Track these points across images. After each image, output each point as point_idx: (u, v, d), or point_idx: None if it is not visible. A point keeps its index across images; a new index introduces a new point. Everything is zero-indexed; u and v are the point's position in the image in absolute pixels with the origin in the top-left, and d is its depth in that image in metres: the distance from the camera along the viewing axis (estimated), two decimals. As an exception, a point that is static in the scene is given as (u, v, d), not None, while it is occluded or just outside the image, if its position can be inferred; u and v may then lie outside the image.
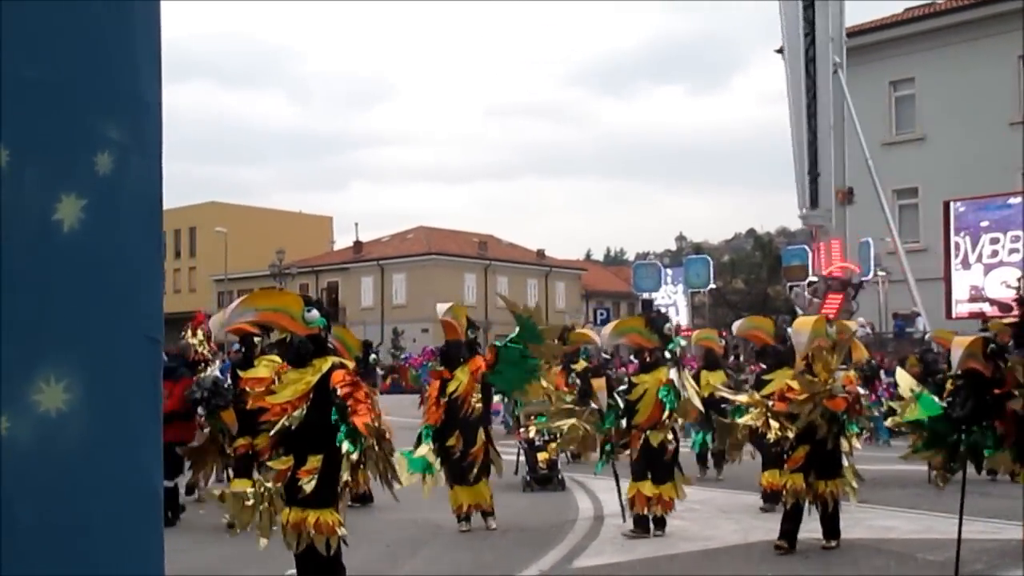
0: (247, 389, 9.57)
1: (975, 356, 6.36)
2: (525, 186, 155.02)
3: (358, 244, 65.92)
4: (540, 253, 68.03)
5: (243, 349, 10.41)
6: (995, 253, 27.38)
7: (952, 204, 28.14)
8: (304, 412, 6.89)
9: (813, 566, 8.34)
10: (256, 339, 10.01)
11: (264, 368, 9.75)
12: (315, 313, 7.09)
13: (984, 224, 27.62)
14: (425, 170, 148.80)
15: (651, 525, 9.65)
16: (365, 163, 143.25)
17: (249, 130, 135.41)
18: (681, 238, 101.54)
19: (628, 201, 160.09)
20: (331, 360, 7.08)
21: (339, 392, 6.82)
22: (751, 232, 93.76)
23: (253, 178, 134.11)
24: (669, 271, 41.17)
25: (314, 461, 6.89)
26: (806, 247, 27.74)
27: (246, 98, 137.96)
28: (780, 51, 33.62)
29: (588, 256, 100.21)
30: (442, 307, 10.18)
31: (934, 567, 8.03)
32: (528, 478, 12.98)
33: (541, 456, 12.92)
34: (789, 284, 29.95)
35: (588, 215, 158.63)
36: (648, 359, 9.83)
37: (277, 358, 9.97)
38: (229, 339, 14.92)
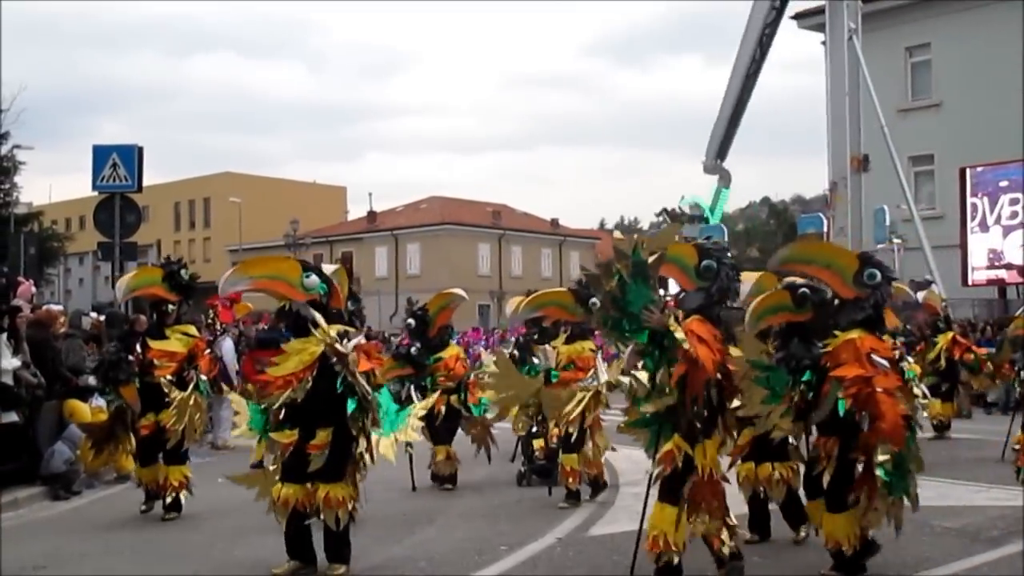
0: (154, 361, 9.12)
1: None
2: (540, 156, 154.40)
3: (372, 214, 65.98)
4: (554, 222, 67.95)
5: (155, 316, 9.55)
6: (1015, 214, 26.93)
7: (968, 170, 27.88)
8: (309, 383, 6.66)
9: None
10: (170, 307, 9.35)
11: (176, 341, 9.26)
12: (314, 279, 6.79)
13: (1003, 184, 27.11)
14: (440, 140, 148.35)
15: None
16: (380, 134, 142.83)
17: (265, 101, 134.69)
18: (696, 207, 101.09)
19: (642, 170, 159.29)
20: (337, 328, 6.81)
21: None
22: (765, 200, 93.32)
23: (268, 148, 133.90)
24: (684, 239, 40.99)
25: (324, 436, 6.71)
26: (821, 215, 27.52)
27: (264, 69, 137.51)
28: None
29: (602, 225, 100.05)
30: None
31: (950, 534, 8.03)
32: (523, 469, 11.19)
33: (538, 444, 11.06)
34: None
35: (603, 184, 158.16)
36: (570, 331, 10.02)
37: (192, 329, 9.52)
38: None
